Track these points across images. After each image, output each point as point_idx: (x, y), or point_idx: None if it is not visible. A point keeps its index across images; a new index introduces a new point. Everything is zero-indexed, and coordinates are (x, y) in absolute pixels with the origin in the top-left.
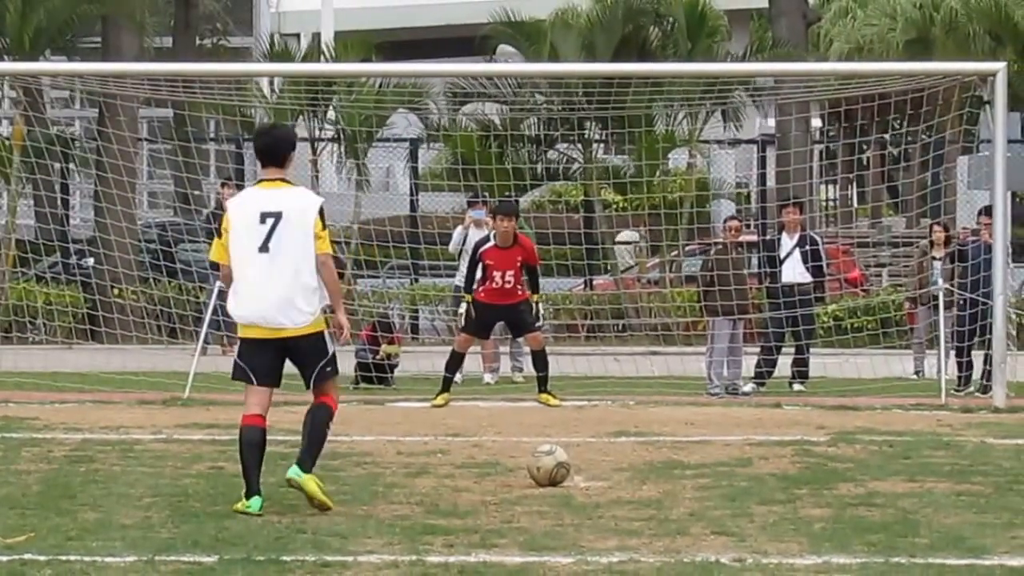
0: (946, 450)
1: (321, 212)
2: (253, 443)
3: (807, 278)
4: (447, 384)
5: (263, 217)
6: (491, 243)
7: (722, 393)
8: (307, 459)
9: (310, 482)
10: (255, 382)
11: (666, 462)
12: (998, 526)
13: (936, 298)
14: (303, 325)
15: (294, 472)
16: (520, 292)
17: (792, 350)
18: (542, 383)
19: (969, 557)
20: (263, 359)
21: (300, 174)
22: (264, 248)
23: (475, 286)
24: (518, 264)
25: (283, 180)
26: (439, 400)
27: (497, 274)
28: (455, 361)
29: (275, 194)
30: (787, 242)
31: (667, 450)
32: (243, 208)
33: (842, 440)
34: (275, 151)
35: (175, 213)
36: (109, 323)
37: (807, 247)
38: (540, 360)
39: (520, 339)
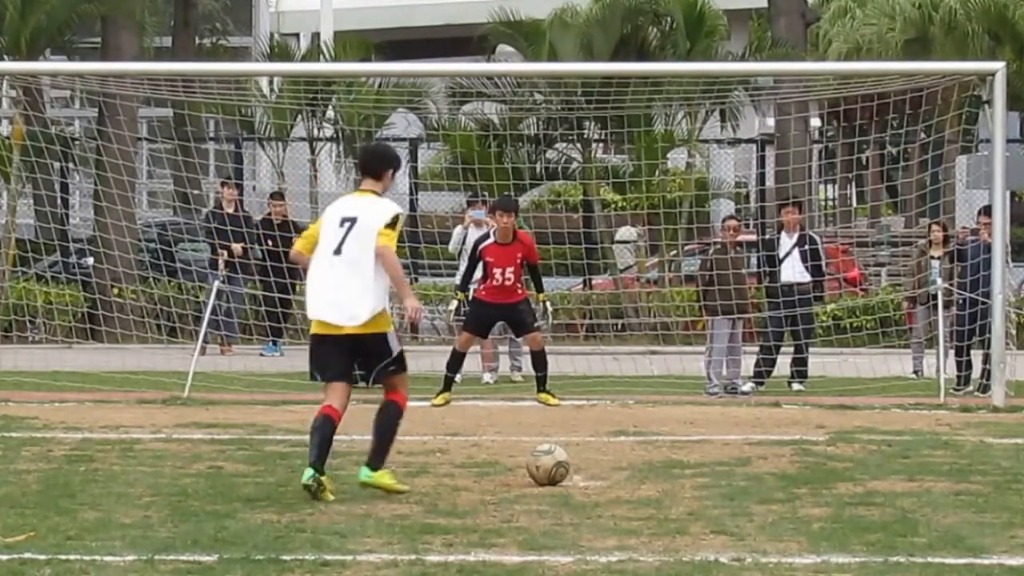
0: (945, 449)
1: (395, 218)
2: (315, 426)
3: (806, 277)
4: (448, 384)
5: (342, 221)
6: (491, 240)
7: (721, 392)
8: (376, 458)
9: (383, 477)
10: (321, 379)
11: (665, 461)
12: (997, 525)
13: (935, 297)
14: (361, 323)
15: (365, 475)
16: (520, 291)
17: (791, 349)
18: (541, 382)
19: (968, 556)
20: (329, 358)
21: (299, 173)
22: (338, 251)
23: (476, 284)
24: (518, 261)
25: (373, 192)
26: (439, 400)
27: (497, 271)
28: (456, 360)
29: (359, 202)
30: (786, 241)
31: (666, 449)
32: (332, 212)
33: (841, 439)
34: (371, 165)
35: (175, 212)
36: (109, 322)
37: (806, 247)
38: (539, 360)
39: (520, 339)
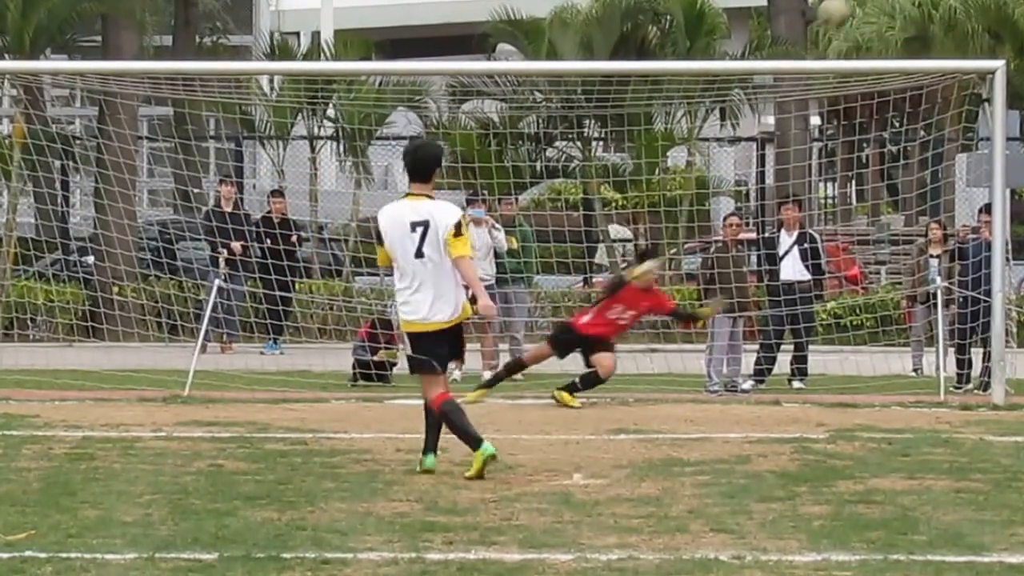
0: (945, 447)
1: (458, 223)
2: (456, 409)
3: (806, 276)
4: (497, 381)
5: (413, 226)
6: (632, 285)
7: (721, 390)
8: (473, 439)
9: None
10: (438, 371)
11: (665, 459)
12: (997, 523)
13: (934, 296)
14: (453, 318)
15: (489, 448)
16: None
17: (792, 347)
18: (572, 388)
19: (968, 554)
20: (438, 350)
21: (299, 172)
22: (419, 254)
23: (584, 316)
24: (643, 308)
25: (428, 196)
26: (473, 396)
27: (620, 307)
28: (516, 367)
29: (422, 205)
30: (786, 239)
31: (666, 447)
32: (394, 219)
33: (841, 437)
34: (421, 168)
35: (175, 211)
36: (109, 320)
37: (806, 245)
38: (594, 381)
39: (593, 361)
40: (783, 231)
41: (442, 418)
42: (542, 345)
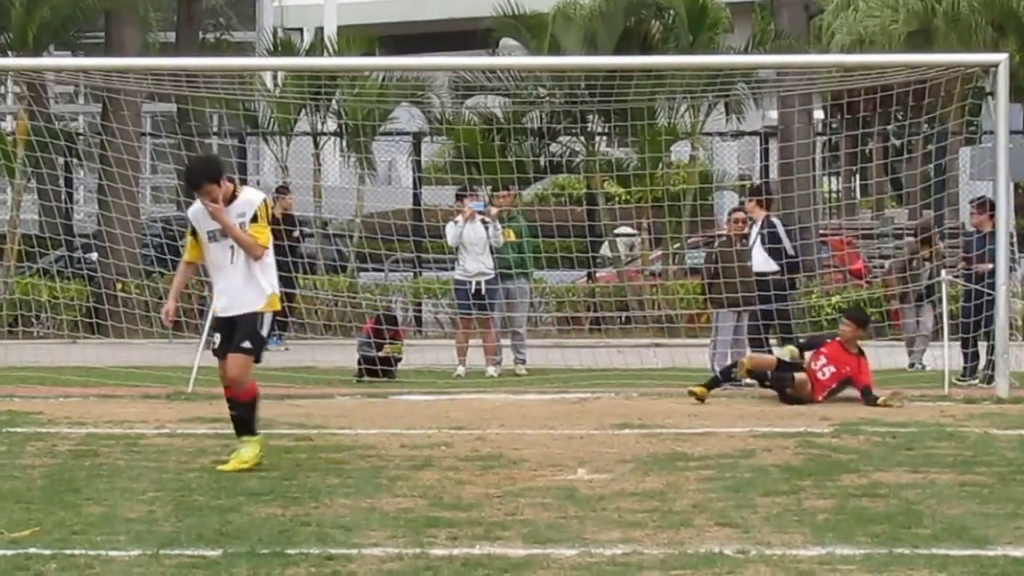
0: (949, 441)
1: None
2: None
3: (773, 266)
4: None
5: None
6: (837, 337)
7: (726, 385)
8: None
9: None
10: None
11: (670, 454)
12: (1001, 517)
13: (921, 297)
14: None
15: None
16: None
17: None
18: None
19: (972, 548)
20: None
21: (303, 168)
22: None
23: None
24: (845, 373)
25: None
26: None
27: (821, 359)
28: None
29: None
30: (755, 231)
31: (670, 442)
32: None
33: (845, 431)
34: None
35: (178, 207)
36: (113, 317)
37: (765, 231)
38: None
39: None
40: (755, 224)
41: (254, 401)
42: (767, 357)
